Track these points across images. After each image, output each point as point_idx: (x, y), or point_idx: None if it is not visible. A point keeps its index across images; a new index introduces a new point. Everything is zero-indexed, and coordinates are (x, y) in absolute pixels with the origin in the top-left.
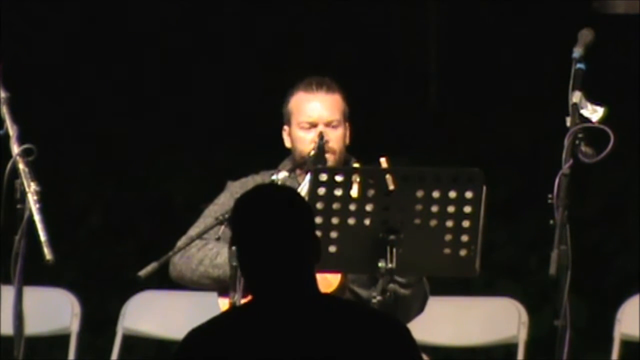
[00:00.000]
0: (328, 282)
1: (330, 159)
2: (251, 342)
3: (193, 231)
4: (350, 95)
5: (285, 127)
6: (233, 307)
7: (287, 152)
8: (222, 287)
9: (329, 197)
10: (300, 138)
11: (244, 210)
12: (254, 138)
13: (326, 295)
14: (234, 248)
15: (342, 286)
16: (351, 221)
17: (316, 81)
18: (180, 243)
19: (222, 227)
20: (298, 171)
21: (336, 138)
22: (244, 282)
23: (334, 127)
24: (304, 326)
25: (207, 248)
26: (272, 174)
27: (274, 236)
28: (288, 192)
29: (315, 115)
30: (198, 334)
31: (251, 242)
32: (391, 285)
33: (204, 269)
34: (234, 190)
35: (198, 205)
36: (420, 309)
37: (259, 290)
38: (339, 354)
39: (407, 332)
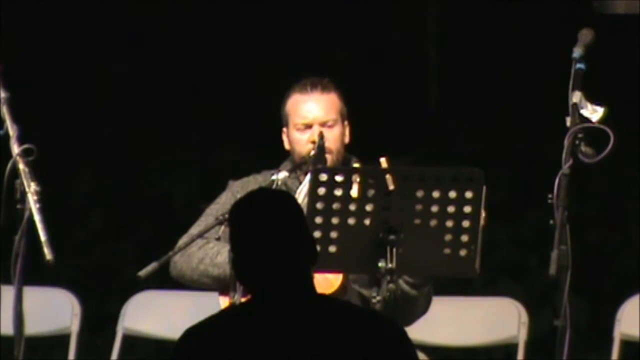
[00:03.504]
0: (329, 282)
1: (327, 159)
2: (247, 342)
3: (194, 230)
4: (350, 95)
5: (284, 129)
6: (229, 307)
7: (288, 152)
8: (222, 286)
9: (329, 197)
10: (297, 139)
11: (239, 214)
12: (254, 138)
13: (323, 295)
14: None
15: (343, 286)
16: (351, 221)
17: (311, 82)
18: (181, 242)
19: (222, 226)
20: (298, 172)
21: (333, 138)
22: (240, 283)
23: (330, 126)
24: (300, 326)
25: (208, 247)
26: (273, 174)
27: (270, 239)
28: (281, 195)
29: (310, 116)
30: (194, 333)
31: (247, 245)
32: (391, 286)
33: (204, 268)
34: (235, 189)
35: (198, 205)
36: (425, 309)
37: (256, 292)
38: (333, 353)
39: (404, 333)
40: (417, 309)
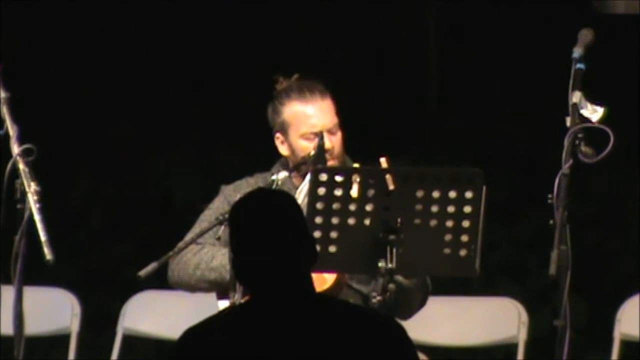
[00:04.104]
0: (323, 279)
1: (335, 164)
2: (247, 342)
3: (190, 236)
4: (350, 95)
5: (279, 135)
6: (229, 307)
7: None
8: (220, 290)
9: (329, 197)
10: (304, 148)
11: (239, 215)
12: (254, 138)
13: (322, 295)
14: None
15: (337, 283)
16: (351, 221)
17: (307, 87)
18: (178, 247)
19: (222, 227)
20: (294, 173)
21: (338, 143)
22: (240, 283)
23: (334, 132)
24: (300, 326)
25: (203, 252)
26: (267, 177)
27: (270, 239)
28: (281, 195)
29: (319, 125)
30: (194, 333)
31: (247, 246)
32: (391, 285)
33: (201, 273)
34: (228, 193)
35: (198, 205)
36: (422, 302)
37: (256, 292)
38: (333, 353)
39: (403, 331)
40: (413, 300)
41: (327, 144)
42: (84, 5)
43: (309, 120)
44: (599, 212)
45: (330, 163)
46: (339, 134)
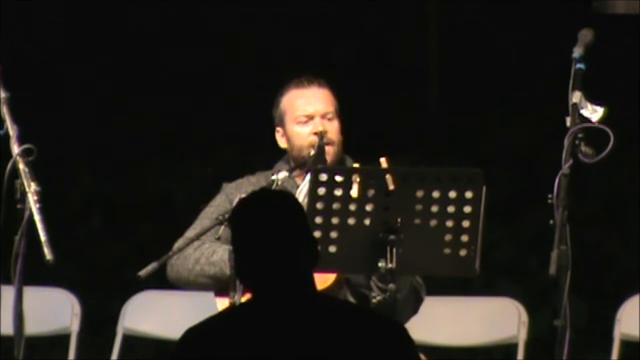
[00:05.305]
0: (321, 279)
1: (329, 151)
2: (248, 342)
3: (190, 233)
4: (350, 95)
5: (279, 129)
6: (230, 307)
7: (283, 153)
8: (219, 286)
9: (329, 197)
10: (298, 133)
11: (241, 214)
12: (254, 138)
13: (324, 295)
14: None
15: (337, 282)
16: (351, 221)
17: (306, 78)
18: (177, 245)
19: (222, 227)
20: (296, 172)
21: (334, 129)
22: (242, 283)
23: (330, 119)
24: (301, 326)
25: (204, 247)
26: (268, 175)
27: (271, 239)
28: (283, 195)
29: (311, 109)
30: (195, 333)
31: (250, 245)
32: (391, 285)
33: (201, 268)
34: (229, 191)
35: (198, 204)
36: (414, 311)
37: (257, 291)
38: (334, 354)
39: (404, 332)
40: (400, 314)
41: (320, 127)
42: (84, 5)
43: (302, 104)
44: (599, 212)
45: (326, 149)
46: (335, 122)
